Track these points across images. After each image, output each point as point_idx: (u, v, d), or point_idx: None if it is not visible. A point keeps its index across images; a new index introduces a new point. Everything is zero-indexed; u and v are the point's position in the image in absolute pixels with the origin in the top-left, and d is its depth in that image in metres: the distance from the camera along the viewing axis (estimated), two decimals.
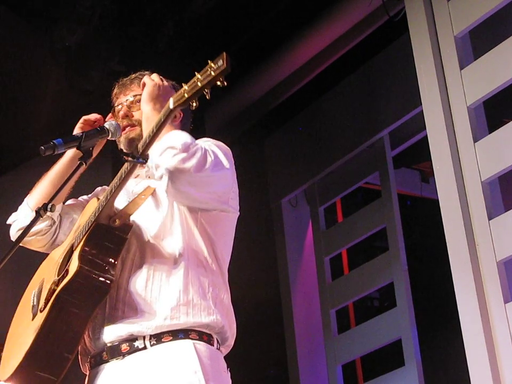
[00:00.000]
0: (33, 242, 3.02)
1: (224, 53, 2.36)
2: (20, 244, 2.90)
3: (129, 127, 2.92)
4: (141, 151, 2.57)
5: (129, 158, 2.56)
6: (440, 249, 4.31)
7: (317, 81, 5.75)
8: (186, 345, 2.60)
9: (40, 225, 2.97)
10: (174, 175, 2.59)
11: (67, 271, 2.63)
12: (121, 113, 2.95)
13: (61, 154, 2.89)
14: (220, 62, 2.36)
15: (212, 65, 2.37)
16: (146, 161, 2.57)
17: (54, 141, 2.66)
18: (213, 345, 2.67)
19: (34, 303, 2.75)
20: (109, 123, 2.81)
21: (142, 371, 2.58)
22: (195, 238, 2.75)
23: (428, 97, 4.42)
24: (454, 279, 4.15)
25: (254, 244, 5.67)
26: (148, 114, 2.73)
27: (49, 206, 2.55)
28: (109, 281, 2.61)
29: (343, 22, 5.24)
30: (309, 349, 5.94)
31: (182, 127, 2.97)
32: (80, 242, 2.66)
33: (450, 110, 4.32)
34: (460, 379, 4.36)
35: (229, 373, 2.73)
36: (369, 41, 5.35)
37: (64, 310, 2.58)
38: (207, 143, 2.74)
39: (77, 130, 2.94)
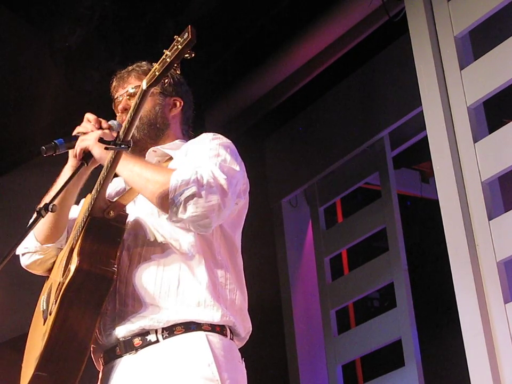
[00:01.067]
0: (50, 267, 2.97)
1: (189, 26, 2.35)
2: (38, 273, 2.91)
3: None
4: (122, 137, 2.53)
5: (111, 146, 2.53)
6: (440, 250, 4.31)
7: (317, 82, 5.75)
8: (199, 338, 2.59)
9: (50, 256, 2.93)
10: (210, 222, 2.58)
11: (69, 270, 2.62)
12: (120, 107, 2.94)
13: (62, 155, 2.87)
14: (186, 35, 2.34)
15: (179, 39, 2.36)
16: (129, 147, 2.52)
17: (55, 141, 2.66)
18: (226, 336, 2.65)
19: (44, 308, 2.74)
20: (111, 122, 2.81)
21: (155, 365, 2.58)
22: (209, 235, 2.71)
23: (428, 98, 4.42)
24: (454, 279, 4.15)
25: (254, 244, 5.67)
26: (102, 158, 2.67)
27: (50, 206, 2.54)
28: (111, 273, 2.59)
29: (343, 22, 5.24)
30: (309, 349, 5.94)
31: (184, 116, 2.99)
32: (78, 239, 2.65)
33: (450, 110, 4.33)
34: (460, 379, 4.35)
35: (244, 362, 2.71)
36: (369, 41, 5.35)
37: (71, 308, 2.56)
38: (210, 167, 2.64)
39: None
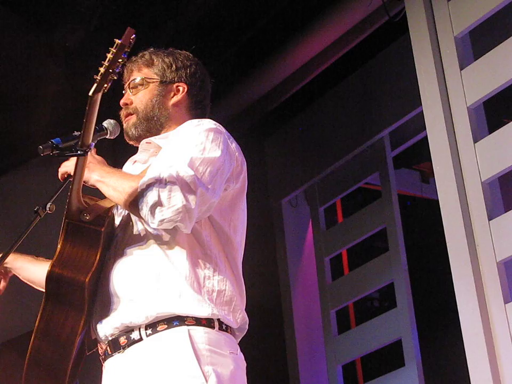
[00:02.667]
0: None
1: (128, 28, 2.35)
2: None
3: (128, 116, 2.90)
4: (80, 143, 2.51)
5: (69, 153, 2.52)
6: (440, 250, 4.31)
7: (317, 82, 5.75)
8: (181, 334, 2.54)
9: None
10: (183, 223, 2.54)
11: None
12: (121, 102, 2.94)
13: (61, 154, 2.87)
14: (121, 40, 2.35)
15: (117, 42, 2.36)
16: (85, 153, 2.51)
17: (52, 140, 2.65)
18: (214, 328, 2.59)
19: None
20: (108, 122, 2.79)
21: (140, 364, 2.56)
22: (195, 226, 2.64)
23: (428, 98, 4.41)
24: (454, 279, 4.15)
25: (254, 244, 5.66)
26: (86, 178, 2.67)
27: (48, 206, 2.54)
28: (83, 276, 2.57)
29: (343, 22, 5.24)
30: (309, 349, 5.94)
31: (191, 100, 2.92)
32: (58, 244, 2.64)
33: (450, 111, 4.32)
34: (460, 379, 4.36)
35: (241, 354, 2.66)
36: (370, 41, 5.35)
37: (54, 311, 2.58)
38: (177, 166, 2.56)
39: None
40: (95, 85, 2.41)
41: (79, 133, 2.65)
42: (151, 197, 2.51)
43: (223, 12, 5.26)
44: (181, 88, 2.91)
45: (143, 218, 2.56)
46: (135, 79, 2.91)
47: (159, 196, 2.50)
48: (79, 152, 2.51)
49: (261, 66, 5.69)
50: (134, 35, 2.37)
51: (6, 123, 5.64)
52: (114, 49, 2.36)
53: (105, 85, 2.40)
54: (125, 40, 2.34)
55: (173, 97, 2.90)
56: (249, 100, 5.85)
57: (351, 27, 5.22)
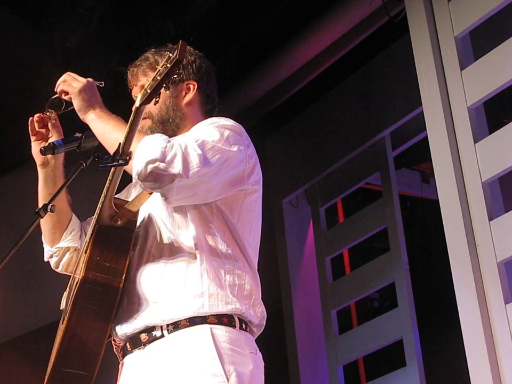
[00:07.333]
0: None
1: (180, 41, 2.33)
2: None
3: (142, 120, 2.90)
4: (120, 152, 2.51)
5: (110, 163, 2.51)
6: (440, 250, 4.31)
7: (318, 82, 5.75)
8: (203, 332, 2.56)
9: (66, 256, 2.93)
10: (166, 191, 2.52)
11: (78, 280, 2.63)
12: (133, 108, 2.93)
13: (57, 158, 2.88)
14: (175, 53, 2.34)
15: (170, 55, 2.36)
16: (126, 162, 2.50)
17: (53, 141, 2.67)
18: (235, 327, 2.61)
19: (64, 306, 2.74)
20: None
21: (161, 361, 2.57)
22: (210, 224, 2.67)
23: (428, 98, 4.41)
24: (454, 279, 4.15)
25: None
26: (81, 110, 2.71)
27: (49, 207, 2.54)
28: (118, 282, 2.60)
29: (343, 22, 5.24)
30: (310, 349, 5.94)
31: (202, 96, 2.92)
32: (87, 248, 2.65)
33: (451, 111, 4.32)
34: (460, 379, 4.36)
35: (259, 353, 2.67)
36: (370, 41, 5.35)
37: (81, 316, 2.58)
38: (188, 141, 2.58)
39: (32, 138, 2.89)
40: (144, 97, 2.43)
41: (81, 134, 2.66)
42: (153, 152, 2.48)
43: (224, 12, 5.26)
44: (191, 86, 2.90)
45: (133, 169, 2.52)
46: (143, 84, 2.89)
47: (162, 154, 2.47)
48: (120, 161, 2.50)
49: (261, 66, 5.69)
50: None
51: (5, 123, 5.64)
52: (169, 63, 2.36)
53: (156, 98, 2.41)
54: (181, 55, 2.34)
55: (185, 96, 2.89)
56: (250, 99, 5.85)
57: (351, 27, 5.22)
